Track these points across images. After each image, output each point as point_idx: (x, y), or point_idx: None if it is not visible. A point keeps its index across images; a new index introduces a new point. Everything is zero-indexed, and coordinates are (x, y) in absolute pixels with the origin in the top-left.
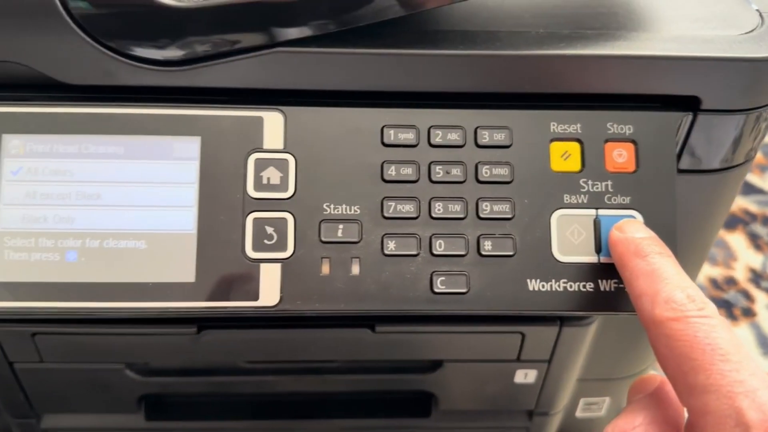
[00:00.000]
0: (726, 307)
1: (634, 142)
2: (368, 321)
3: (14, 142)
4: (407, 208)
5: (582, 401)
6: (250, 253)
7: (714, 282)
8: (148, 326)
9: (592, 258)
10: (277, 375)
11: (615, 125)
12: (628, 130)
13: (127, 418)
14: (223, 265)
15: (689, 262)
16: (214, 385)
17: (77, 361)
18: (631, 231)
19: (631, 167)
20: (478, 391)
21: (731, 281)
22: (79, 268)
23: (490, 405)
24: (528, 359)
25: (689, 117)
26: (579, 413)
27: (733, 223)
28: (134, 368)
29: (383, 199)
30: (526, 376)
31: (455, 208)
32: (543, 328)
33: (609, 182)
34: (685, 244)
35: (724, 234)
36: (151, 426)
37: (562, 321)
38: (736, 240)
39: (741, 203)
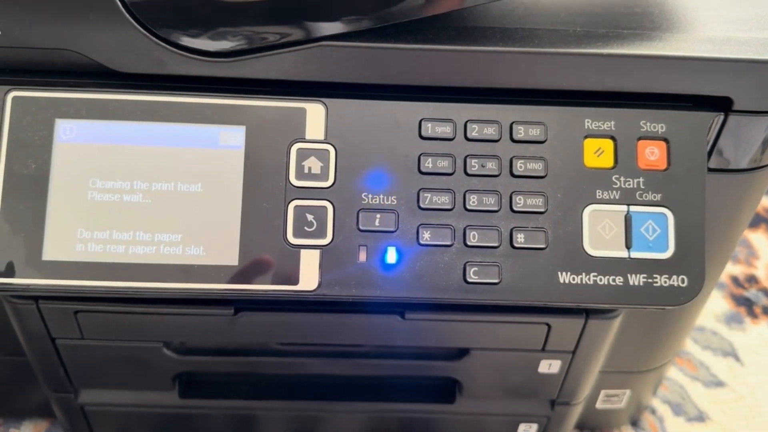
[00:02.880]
0: (747, 305)
1: (666, 140)
2: (398, 308)
3: (67, 126)
4: (443, 200)
5: (603, 393)
6: (291, 239)
7: (735, 280)
8: (187, 307)
9: (622, 253)
10: (308, 357)
11: (648, 123)
12: (660, 128)
13: (162, 395)
14: (265, 249)
15: (714, 260)
16: (246, 365)
17: (117, 338)
18: None
19: (663, 165)
20: (502, 379)
21: (753, 279)
22: (126, 251)
23: (512, 393)
24: (553, 350)
25: (720, 117)
26: (599, 405)
27: (756, 221)
28: (171, 347)
29: (420, 190)
30: (550, 366)
31: (489, 201)
32: (569, 319)
33: (641, 179)
34: (712, 242)
35: (746, 233)
36: (184, 404)
37: (588, 313)
38: (759, 239)
39: (764, 202)
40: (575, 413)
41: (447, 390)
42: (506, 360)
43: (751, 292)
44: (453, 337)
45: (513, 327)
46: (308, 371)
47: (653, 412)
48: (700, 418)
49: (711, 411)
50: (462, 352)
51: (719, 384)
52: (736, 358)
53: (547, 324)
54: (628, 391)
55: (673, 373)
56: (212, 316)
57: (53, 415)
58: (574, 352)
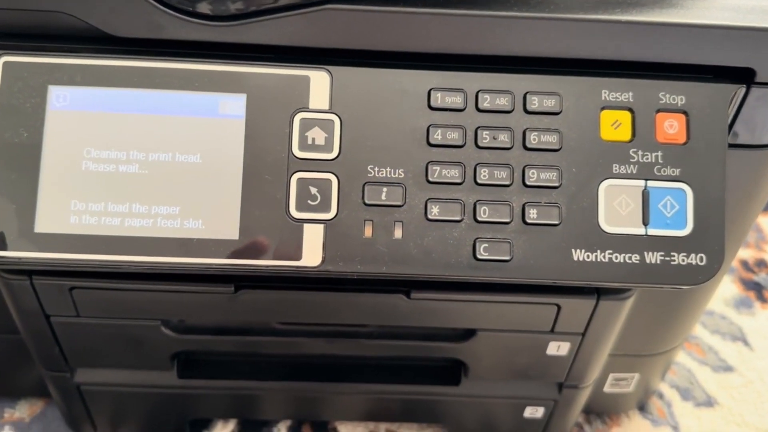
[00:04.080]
0: (756, 289)
1: (685, 113)
2: (403, 287)
3: (60, 93)
4: (452, 173)
5: (611, 376)
6: (294, 213)
7: (745, 264)
8: (186, 284)
9: (639, 230)
10: (310, 337)
11: (667, 95)
12: (680, 100)
13: (160, 375)
14: (266, 223)
15: (730, 240)
16: (247, 345)
17: (113, 316)
18: None
19: (682, 139)
20: (509, 361)
21: (762, 264)
22: (122, 224)
23: (519, 375)
24: (562, 331)
25: (742, 89)
26: (607, 388)
27: (766, 205)
28: (170, 325)
29: (428, 163)
30: (558, 348)
31: (501, 175)
32: (579, 300)
33: (659, 153)
34: (729, 219)
35: None
36: (183, 383)
37: (599, 294)
38: None
39: None
40: (583, 397)
41: (452, 372)
42: (514, 342)
43: (761, 277)
44: (459, 317)
45: (521, 307)
46: (310, 351)
47: (661, 396)
48: (709, 402)
49: (719, 396)
50: (468, 333)
51: (728, 369)
52: (745, 342)
53: (557, 305)
54: (636, 375)
55: (681, 357)
56: (212, 294)
57: (49, 395)
58: (583, 334)
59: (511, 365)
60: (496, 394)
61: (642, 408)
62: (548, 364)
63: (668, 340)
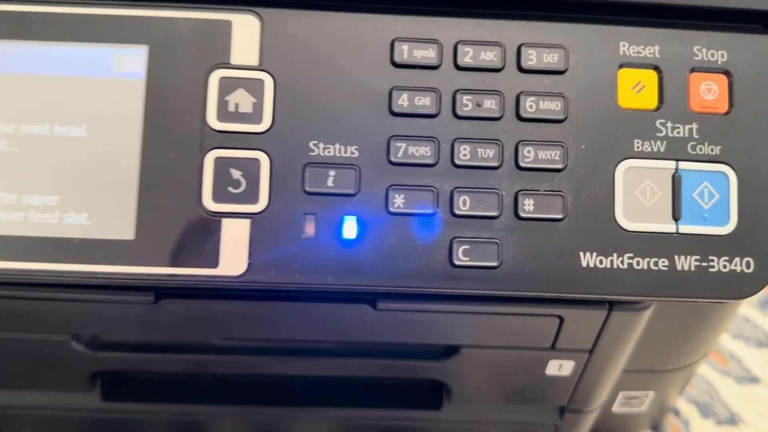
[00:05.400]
0: None
1: (727, 73)
2: (369, 295)
3: None
4: (422, 152)
5: (621, 395)
6: (209, 204)
7: None
8: (95, 292)
9: (668, 226)
10: (259, 355)
11: (704, 50)
12: (720, 57)
13: (81, 397)
14: (171, 219)
15: None
16: (183, 363)
17: (9, 330)
18: None
19: (723, 107)
20: (500, 382)
21: None
22: None
23: (513, 399)
24: (565, 348)
25: None
26: (617, 408)
27: None
28: (82, 341)
29: (391, 138)
30: (560, 367)
31: (487, 154)
32: (587, 311)
33: (694, 125)
34: None
35: None
36: (109, 407)
37: (612, 303)
38: None
39: None
40: (589, 421)
41: (432, 394)
42: (505, 360)
43: None
44: (438, 331)
45: (515, 320)
46: (262, 371)
47: (677, 413)
48: (732, 420)
49: (744, 412)
50: (450, 350)
51: (753, 380)
52: None
53: (559, 316)
54: (651, 393)
55: (699, 367)
56: (127, 304)
57: None
58: (591, 351)
59: (503, 387)
60: (484, 419)
61: (655, 428)
62: (548, 386)
63: (690, 354)
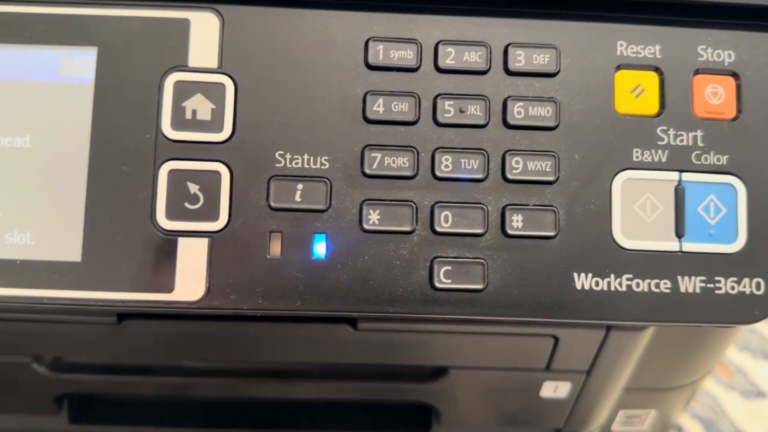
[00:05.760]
0: None
1: (735, 75)
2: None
3: None
4: (400, 163)
5: (621, 414)
6: (164, 221)
7: None
8: (53, 312)
9: (671, 244)
10: (234, 377)
11: (709, 50)
12: (727, 57)
13: (47, 420)
14: (122, 238)
15: None
16: (154, 386)
17: None
18: None
19: (731, 112)
20: (491, 405)
21: None
22: None
23: (505, 422)
24: (561, 369)
25: None
26: (616, 427)
27: None
28: (44, 363)
29: (365, 147)
30: (556, 389)
31: (471, 165)
32: (583, 331)
33: (698, 133)
34: None
35: None
36: (76, 430)
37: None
38: None
39: None
40: None
41: (419, 418)
42: (497, 381)
43: None
44: (425, 352)
45: (507, 340)
46: (238, 394)
47: (679, 430)
48: None
49: (750, 428)
50: (438, 372)
51: (760, 394)
52: None
53: (554, 336)
54: (652, 412)
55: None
56: (88, 325)
57: None
58: (589, 372)
59: (495, 410)
60: None
61: None
62: (543, 409)
63: (694, 370)
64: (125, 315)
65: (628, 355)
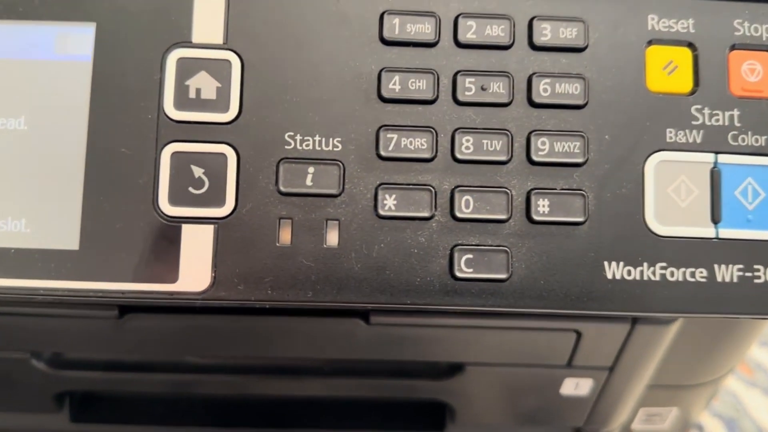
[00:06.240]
0: None
1: None
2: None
3: None
4: (417, 144)
5: (642, 411)
6: (167, 207)
7: None
8: (52, 306)
9: (706, 230)
10: (241, 374)
11: (746, 24)
12: (765, 31)
13: (47, 418)
14: (122, 225)
15: None
16: (158, 383)
17: None
18: None
19: None
20: (508, 403)
21: None
22: None
23: (523, 420)
24: (583, 365)
25: None
26: (637, 425)
27: None
28: (43, 359)
29: (380, 128)
30: (577, 386)
31: (494, 146)
32: (608, 325)
33: (735, 112)
34: None
35: None
36: (78, 428)
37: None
38: None
39: None
40: None
41: (434, 416)
42: (515, 378)
43: None
44: (440, 348)
45: (526, 335)
46: (245, 391)
47: (700, 429)
48: None
49: None
50: (454, 368)
51: None
52: None
53: (576, 331)
54: (674, 410)
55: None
56: (89, 319)
57: None
58: (612, 369)
59: (513, 408)
60: None
61: None
62: (563, 407)
63: (720, 366)
64: (127, 308)
65: (653, 351)
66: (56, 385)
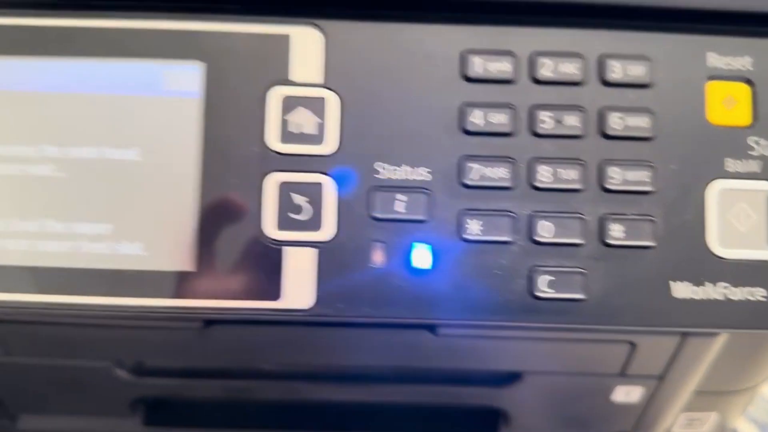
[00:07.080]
0: None
1: None
2: None
3: None
4: (498, 173)
5: (683, 416)
6: (272, 232)
7: None
8: (140, 319)
9: (764, 252)
10: (307, 381)
11: None
12: None
13: (121, 422)
14: (233, 248)
15: None
16: (229, 389)
17: (51, 356)
18: None
19: None
20: (562, 409)
21: None
22: (30, 249)
23: (573, 426)
24: (635, 374)
25: None
26: (677, 429)
27: None
28: (125, 367)
29: (463, 158)
30: (628, 394)
31: (569, 175)
32: (660, 336)
33: None
34: None
35: None
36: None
37: None
38: None
39: None
40: None
41: (488, 422)
42: (570, 386)
43: None
44: (501, 357)
45: (584, 345)
46: (309, 396)
47: None
48: None
49: None
50: (512, 377)
51: None
52: None
53: (631, 342)
54: (713, 414)
55: None
56: (175, 330)
57: None
58: (662, 377)
59: (564, 414)
60: None
61: None
62: (612, 413)
63: (759, 374)
64: (213, 319)
65: (701, 361)
66: (134, 391)
